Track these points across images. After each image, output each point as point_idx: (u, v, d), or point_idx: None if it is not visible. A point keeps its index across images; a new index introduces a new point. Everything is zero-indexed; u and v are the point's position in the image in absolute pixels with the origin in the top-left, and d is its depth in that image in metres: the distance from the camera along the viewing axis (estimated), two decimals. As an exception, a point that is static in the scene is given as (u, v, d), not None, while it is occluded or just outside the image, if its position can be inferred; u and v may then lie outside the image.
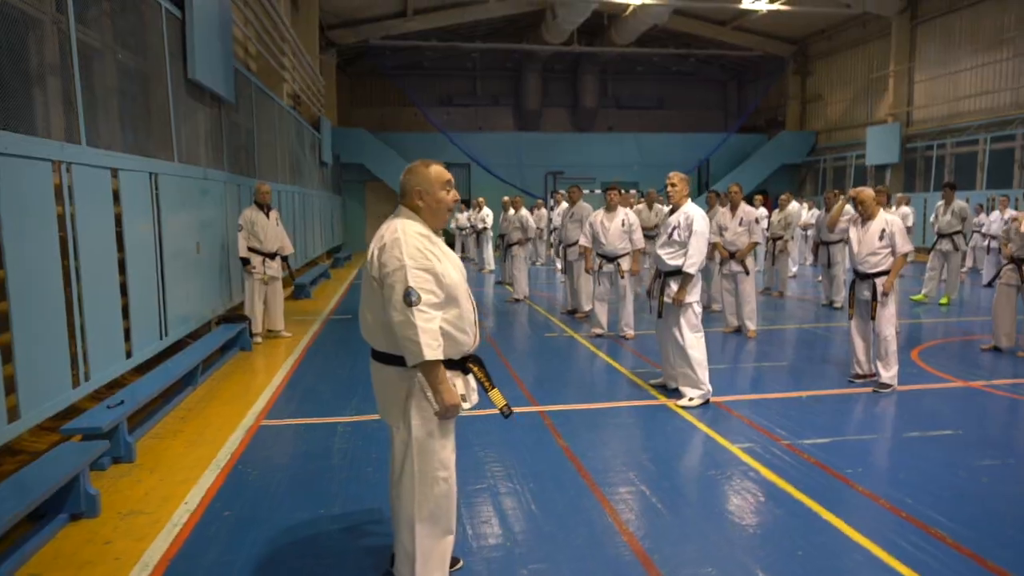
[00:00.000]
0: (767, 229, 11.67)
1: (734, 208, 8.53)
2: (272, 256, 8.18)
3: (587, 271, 8.68)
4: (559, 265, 12.43)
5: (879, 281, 5.94)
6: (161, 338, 6.10)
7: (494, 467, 4.32)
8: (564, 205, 11.34)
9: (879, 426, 5.16)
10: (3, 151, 3.78)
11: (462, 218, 19.21)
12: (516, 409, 5.46)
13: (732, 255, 8.44)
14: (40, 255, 4.16)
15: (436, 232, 2.80)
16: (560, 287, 12.60)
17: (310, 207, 15.13)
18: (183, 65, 7.02)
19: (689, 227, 5.56)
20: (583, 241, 8.55)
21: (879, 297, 5.94)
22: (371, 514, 3.71)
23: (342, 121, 24.39)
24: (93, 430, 4.16)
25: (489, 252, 16.62)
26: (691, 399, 5.60)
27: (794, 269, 14.52)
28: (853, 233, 6.16)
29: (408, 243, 2.61)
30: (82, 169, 4.68)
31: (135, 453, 4.50)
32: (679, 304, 5.59)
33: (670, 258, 5.67)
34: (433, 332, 2.55)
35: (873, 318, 6.01)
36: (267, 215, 8.12)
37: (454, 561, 3.10)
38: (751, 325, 8.39)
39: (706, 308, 9.95)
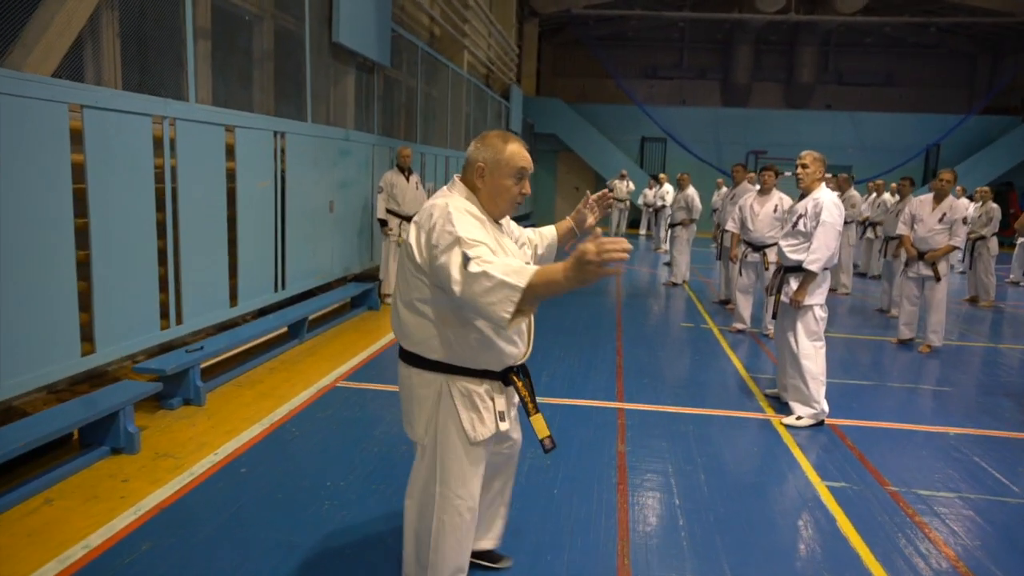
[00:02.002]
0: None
1: (939, 199, 7.06)
2: (410, 219, 8.26)
3: (731, 259, 7.82)
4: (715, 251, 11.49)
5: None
6: (276, 291, 6.37)
7: (524, 463, 3.94)
8: (667, 187, 10.46)
9: (1041, 486, 4.04)
10: (95, 104, 4.02)
11: (649, 194, 18.50)
12: (592, 403, 5.06)
13: (922, 255, 7.06)
14: (133, 206, 4.42)
15: (494, 221, 2.32)
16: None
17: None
18: (328, 28, 7.22)
19: (817, 216, 4.70)
20: (731, 226, 7.70)
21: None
22: (380, 492, 3.52)
23: (544, 91, 24.43)
24: (157, 371, 4.39)
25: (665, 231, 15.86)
26: (799, 417, 4.78)
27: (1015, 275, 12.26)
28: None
29: (461, 218, 2.12)
30: (188, 124, 4.91)
31: (204, 397, 4.70)
32: (797, 306, 4.76)
33: (792, 251, 4.85)
34: (505, 265, 1.97)
35: (1067, 347, 4.74)
36: (407, 178, 8.20)
37: (497, 558, 2.85)
38: (935, 339, 7.07)
39: (725, 302, 8.78)
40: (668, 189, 16.22)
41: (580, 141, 22.34)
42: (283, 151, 6.33)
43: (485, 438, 2.29)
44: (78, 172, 3.96)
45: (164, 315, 4.85)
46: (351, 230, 8.06)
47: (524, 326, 2.33)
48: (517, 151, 2.26)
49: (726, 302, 8.95)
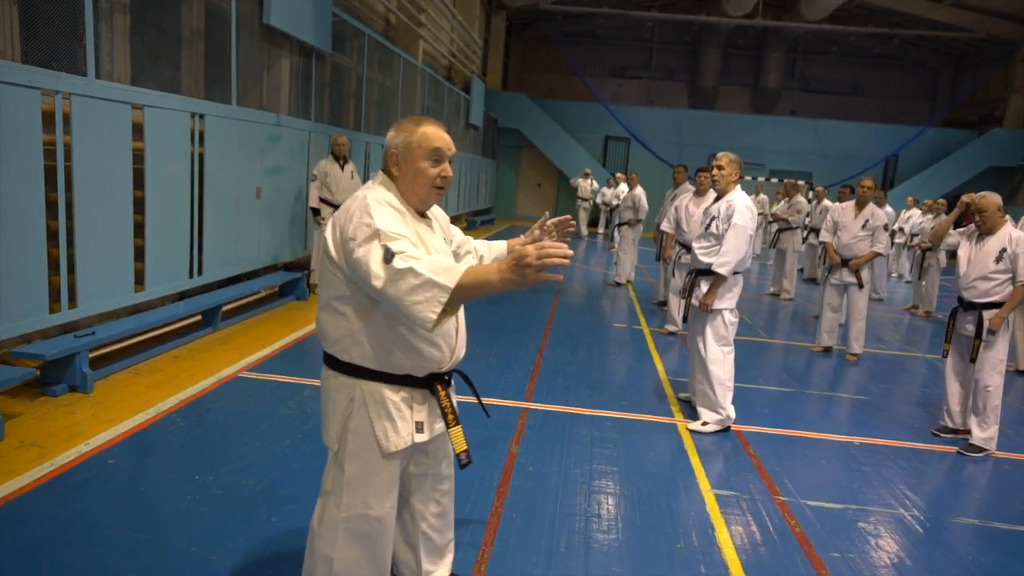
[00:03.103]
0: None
1: (861, 206, 7.09)
2: (344, 209, 8.09)
3: (662, 259, 7.77)
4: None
5: (987, 315, 4.66)
6: (192, 276, 6.17)
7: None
8: (623, 187, 10.47)
9: (943, 501, 4.01)
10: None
11: (608, 193, 18.48)
12: (498, 402, 4.96)
13: (846, 262, 7.08)
14: (22, 185, 4.21)
15: (419, 213, 2.17)
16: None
17: (444, 168, 15.08)
18: (259, 9, 7.01)
19: (729, 219, 4.64)
20: (665, 226, 7.65)
21: (984, 335, 4.66)
22: (248, 488, 3.38)
23: (511, 86, 24.29)
24: (36, 356, 4.19)
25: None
26: (705, 423, 4.72)
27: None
28: (963, 250, 4.88)
29: (380, 209, 1.99)
30: (85, 101, 4.70)
31: (91, 384, 4.51)
32: (707, 309, 4.70)
33: (704, 254, 4.79)
34: (433, 263, 1.87)
35: (973, 360, 4.74)
36: (342, 167, 8.02)
37: None
38: (856, 347, 7.09)
39: (663, 304, 8.74)
40: (625, 188, 16.19)
41: (544, 137, 22.24)
42: (202, 134, 6.13)
43: (398, 449, 2.14)
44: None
45: (56, 298, 4.64)
46: (282, 218, 7.87)
47: (451, 328, 2.17)
48: (431, 131, 2.12)
49: (663, 303, 8.91)
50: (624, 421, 4.80)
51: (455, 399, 2.30)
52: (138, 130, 5.32)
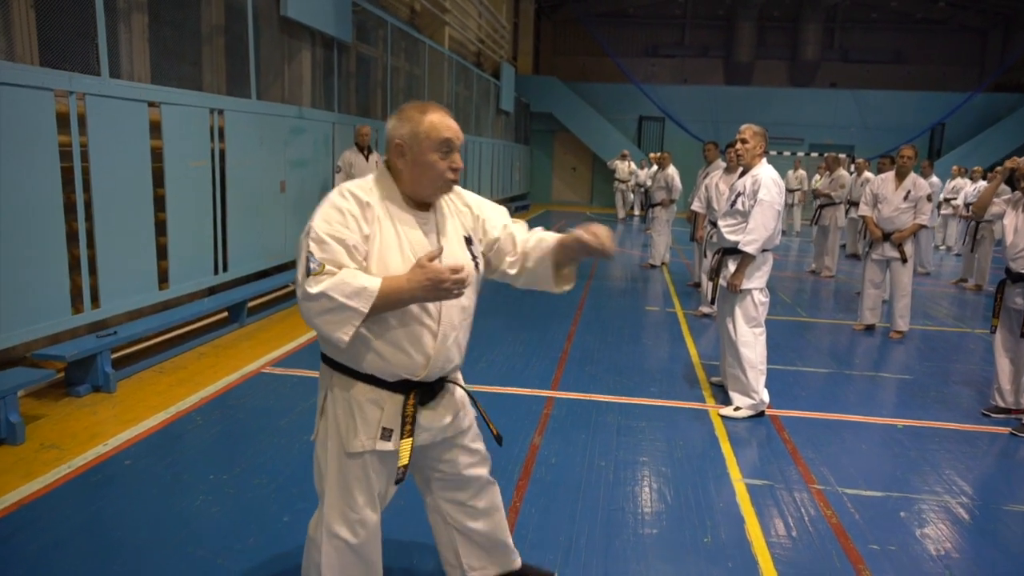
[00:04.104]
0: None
1: (901, 176, 6.74)
2: (370, 200, 8.02)
3: (694, 239, 7.54)
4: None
5: (1039, 286, 4.37)
6: (217, 273, 6.18)
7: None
8: (655, 167, 10.31)
9: (993, 487, 3.76)
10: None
11: (642, 174, 18.16)
12: (522, 391, 4.83)
13: (887, 236, 6.74)
14: (40, 187, 4.22)
15: (421, 205, 2.03)
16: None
17: (476, 155, 14.97)
18: (276, 2, 6.96)
19: (755, 194, 4.42)
20: (696, 206, 7.41)
21: (1035, 308, 4.38)
22: (261, 487, 3.32)
23: (543, 70, 24.02)
24: (57, 357, 4.21)
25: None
26: (737, 408, 4.54)
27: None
28: (1009, 219, 4.58)
29: (328, 211, 1.90)
30: (99, 100, 4.69)
31: (114, 384, 4.52)
32: (735, 290, 4.50)
33: (730, 232, 4.57)
34: (345, 284, 1.82)
35: (1023, 335, 4.46)
36: (367, 157, 7.96)
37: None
38: (902, 324, 6.78)
39: (697, 285, 8.35)
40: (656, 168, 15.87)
41: (577, 121, 21.97)
42: (222, 129, 6.11)
43: (357, 451, 2.02)
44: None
45: (77, 299, 4.67)
46: (307, 211, 7.72)
47: (421, 335, 1.99)
48: (439, 120, 1.95)
49: (698, 285, 8.67)
50: (653, 408, 4.64)
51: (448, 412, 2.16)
52: (156, 128, 5.31)
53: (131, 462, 3.58)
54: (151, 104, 5.23)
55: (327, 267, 1.82)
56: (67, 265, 4.51)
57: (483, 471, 2.37)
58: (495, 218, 2.25)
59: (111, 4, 5.13)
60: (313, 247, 1.84)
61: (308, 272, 1.82)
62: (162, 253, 5.48)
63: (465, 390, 2.26)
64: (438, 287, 1.84)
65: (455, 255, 2.04)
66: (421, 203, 2.03)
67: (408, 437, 2.03)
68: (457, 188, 2.15)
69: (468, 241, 2.13)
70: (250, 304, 6.48)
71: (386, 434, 2.03)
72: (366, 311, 1.82)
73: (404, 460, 2.02)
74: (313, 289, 1.80)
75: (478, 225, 2.20)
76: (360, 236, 1.90)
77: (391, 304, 1.87)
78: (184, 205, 5.65)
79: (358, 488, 2.06)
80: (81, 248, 4.64)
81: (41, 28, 4.70)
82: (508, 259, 2.25)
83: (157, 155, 5.36)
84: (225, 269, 6.28)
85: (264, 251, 6.94)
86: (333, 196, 1.95)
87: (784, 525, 3.19)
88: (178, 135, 5.52)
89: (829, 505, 3.40)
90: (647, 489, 3.50)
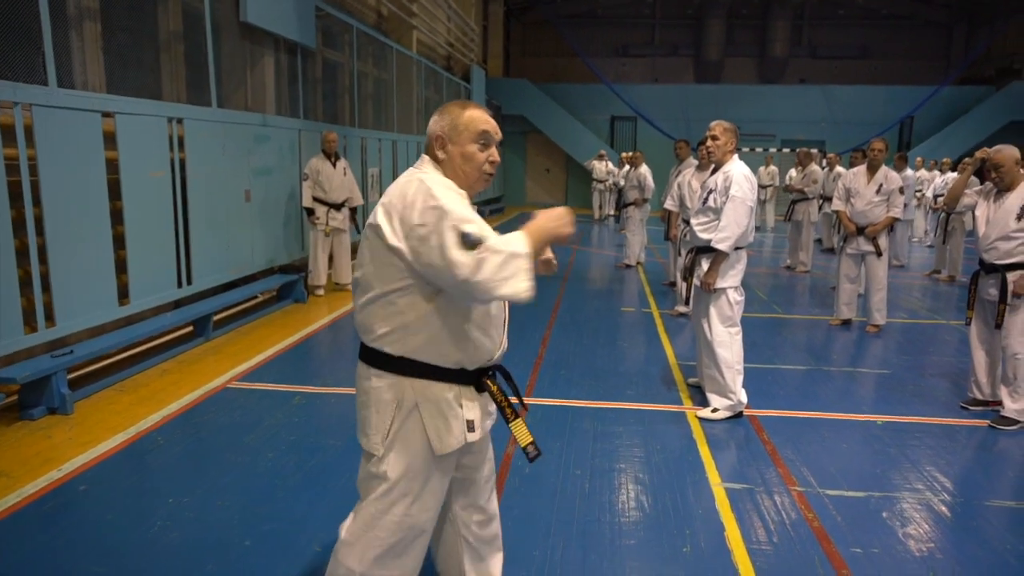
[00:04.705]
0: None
1: (873, 170, 6.72)
2: (339, 207, 7.89)
3: (668, 238, 7.48)
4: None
5: (1011, 276, 4.34)
6: (180, 286, 6.00)
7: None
8: (626, 167, 10.31)
9: (974, 482, 3.72)
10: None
11: (619, 174, 18.16)
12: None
13: (861, 230, 6.72)
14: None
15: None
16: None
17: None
18: (235, 7, 6.79)
19: (727, 191, 4.34)
20: (669, 204, 7.36)
21: (1009, 298, 4.35)
22: (224, 509, 3.17)
23: (514, 72, 23.95)
24: (7, 380, 4.03)
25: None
26: (715, 409, 4.46)
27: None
28: (981, 210, 4.55)
29: (445, 193, 1.90)
30: (48, 111, 4.50)
31: (70, 406, 4.34)
32: (709, 289, 4.42)
33: (702, 229, 4.49)
34: (499, 237, 1.85)
35: (999, 326, 4.42)
36: (334, 164, 7.81)
37: None
38: (878, 318, 6.76)
39: (673, 284, 8.30)
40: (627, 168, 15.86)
41: (549, 122, 21.91)
42: (181, 139, 5.93)
43: (451, 450, 2.01)
44: None
45: (31, 317, 4.48)
46: (275, 220, 7.68)
47: (501, 318, 2.11)
48: (477, 115, 2.04)
49: (673, 284, 8.62)
50: (630, 412, 4.55)
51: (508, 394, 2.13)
52: (110, 139, 5.13)
53: (86, 487, 3.42)
54: (105, 114, 5.05)
55: (484, 234, 1.83)
56: (17, 283, 4.32)
57: (492, 469, 2.37)
58: None
59: (59, 12, 4.96)
60: (458, 224, 1.82)
61: (469, 244, 1.80)
62: (121, 267, 5.30)
63: (505, 372, 2.21)
64: (564, 220, 1.95)
65: None
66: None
67: (515, 418, 2.08)
68: None
69: None
70: (216, 317, 6.31)
71: (470, 426, 2.05)
72: (529, 251, 1.85)
73: (528, 437, 2.10)
74: (481, 253, 1.80)
75: None
76: (477, 216, 1.93)
77: (537, 244, 1.91)
78: (143, 217, 5.47)
79: (434, 495, 2.07)
80: (33, 265, 4.45)
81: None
82: None
83: (113, 166, 5.18)
84: (189, 282, 6.10)
85: (229, 262, 6.76)
86: (437, 186, 1.92)
87: (765, 531, 3.11)
88: (134, 146, 5.34)
89: (811, 508, 3.32)
90: (624, 498, 3.41)
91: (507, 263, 1.80)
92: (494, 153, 2.05)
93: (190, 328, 6.07)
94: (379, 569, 2.04)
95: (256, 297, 7.44)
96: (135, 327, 5.35)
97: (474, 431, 2.05)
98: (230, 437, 4.04)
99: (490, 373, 2.10)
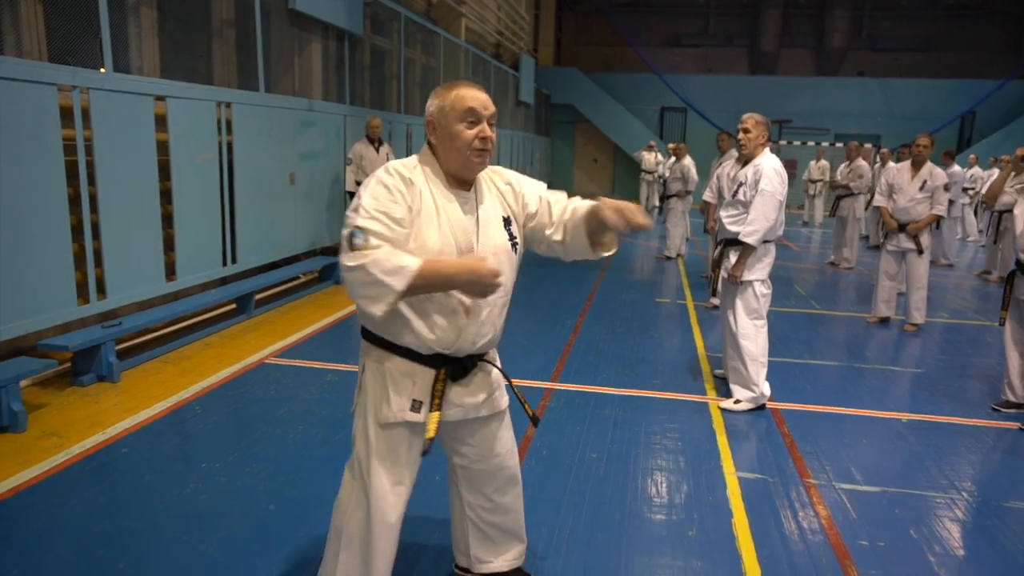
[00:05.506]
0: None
1: (917, 166, 6.58)
2: (381, 193, 8.05)
3: (706, 230, 7.44)
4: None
5: (1050, 277, 4.25)
6: (225, 264, 6.24)
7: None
8: (672, 159, 10.27)
9: (994, 484, 3.67)
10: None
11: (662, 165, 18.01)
12: (527, 383, 4.82)
13: (903, 227, 6.59)
14: (43, 180, 4.29)
15: (462, 184, 2.07)
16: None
17: (495, 146, 14.94)
18: (285, -7, 7.00)
19: (756, 184, 4.34)
20: (707, 196, 7.30)
21: (1047, 300, 4.26)
22: (252, 476, 3.36)
23: (565, 61, 23.92)
24: (60, 347, 4.28)
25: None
26: (737, 401, 4.48)
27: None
28: (1020, 208, 4.45)
29: (375, 187, 1.92)
30: (103, 94, 4.74)
31: (118, 374, 4.59)
32: (736, 281, 4.44)
33: (731, 222, 4.51)
34: (387, 260, 1.82)
35: (1035, 328, 4.34)
36: (377, 150, 7.98)
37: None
38: (917, 317, 6.64)
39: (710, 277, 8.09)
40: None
41: (598, 112, 21.84)
42: (229, 122, 6.16)
43: (389, 422, 2.07)
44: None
45: (84, 290, 4.75)
46: (319, 203, 7.89)
47: (454, 308, 2.01)
48: (464, 92, 1.99)
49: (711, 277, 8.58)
50: (653, 400, 4.60)
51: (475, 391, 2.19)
52: (161, 121, 5.37)
53: (128, 450, 3.64)
54: (157, 98, 5.29)
55: (372, 242, 1.84)
56: (72, 257, 4.58)
57: (511, 463, 2.39)
58: (532, 191, 2.25)
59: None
60: (361, 222, 1.85)
61: (352, 247, 1.83)
62: (169, 245, 5.55)
63: (500, 370, 2.28)
64: (482, 282, 1.88)
65: (493, 236, 2.09)
66: (461, 181, 2.06)
67: (436, 410, 2.07)
68: (498, 168, 2.22)
69: (507, 222, 2.16)
70: (259, 296, 6.54)
71: (415, 406, 2.07)
72: (401, 289, 1.82)
73: (431, 433, 2.05)
74: (352, 263, 1.82)
75: (519, 201, 2.21)
76: (406, 210, 1.93)
77: (431, 286, 1.90)
78: (191, 198, 5.71)
79: (389, 458, 2.11)
80: (87, 240, 4.71)
81: (49, 23, 4.78)
82: (548, 230, 2.23)
83: (163, 148, 5.42)
84: (234, 261, 6.35)
85: (273, 243, 7.00)
86: (380, 174, 1.97)
87: (773, 520, 3.15)
88: (184, 128, 5.57)
89: (822, 500, 3.34)
90: (636, 482, 3.48)
91: (374, 285, 1.82)
92: (485, 129, 1.99)
93: (233, 305, 6.33)
94: (357, 526, 2.14)
95: (298, 278, 7.68)
96: (181, 302, 5.61)
97: (418, 412, 2.06)
98: (264, 409, 4.23)
99: (467, 363, 2.12)
